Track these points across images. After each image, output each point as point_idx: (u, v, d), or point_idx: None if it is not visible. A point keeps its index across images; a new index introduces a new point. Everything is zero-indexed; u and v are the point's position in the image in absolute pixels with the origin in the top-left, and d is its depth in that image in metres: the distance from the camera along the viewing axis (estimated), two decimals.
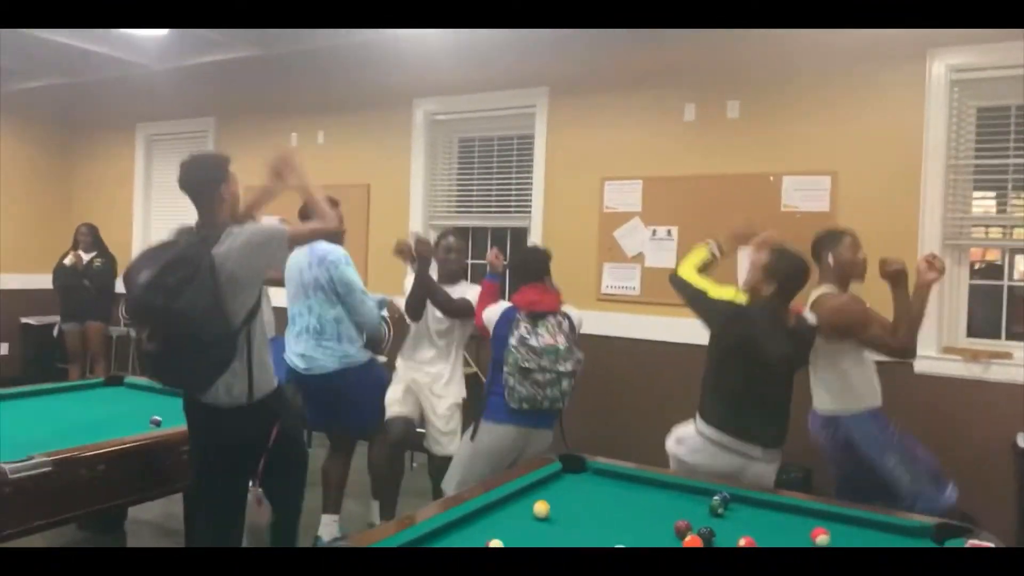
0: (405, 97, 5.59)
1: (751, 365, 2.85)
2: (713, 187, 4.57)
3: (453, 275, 3.93)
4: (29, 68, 6.54)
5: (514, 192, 5.31)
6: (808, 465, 4.11)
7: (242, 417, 2.49)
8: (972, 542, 1.93)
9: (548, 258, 3.54)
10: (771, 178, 4.41)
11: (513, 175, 5.32)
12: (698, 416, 2.99)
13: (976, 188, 4.05)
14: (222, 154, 2.66)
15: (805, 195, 4.31)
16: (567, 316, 3.35)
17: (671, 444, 3.07)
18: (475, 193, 5.48)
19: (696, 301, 3.07)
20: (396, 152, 5.66)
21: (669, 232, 4.74)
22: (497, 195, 5.38)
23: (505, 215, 5.35)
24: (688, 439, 2.99)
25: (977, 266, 4.29)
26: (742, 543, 1.90)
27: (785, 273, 2.93)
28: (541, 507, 2.17)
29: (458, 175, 5.59)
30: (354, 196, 5.81)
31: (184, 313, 2.24)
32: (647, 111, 4.78)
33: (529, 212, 5.19)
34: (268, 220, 2.83)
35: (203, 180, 2.50)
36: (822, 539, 1.98)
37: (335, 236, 3.53)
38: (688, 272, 3.19)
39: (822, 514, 2.20)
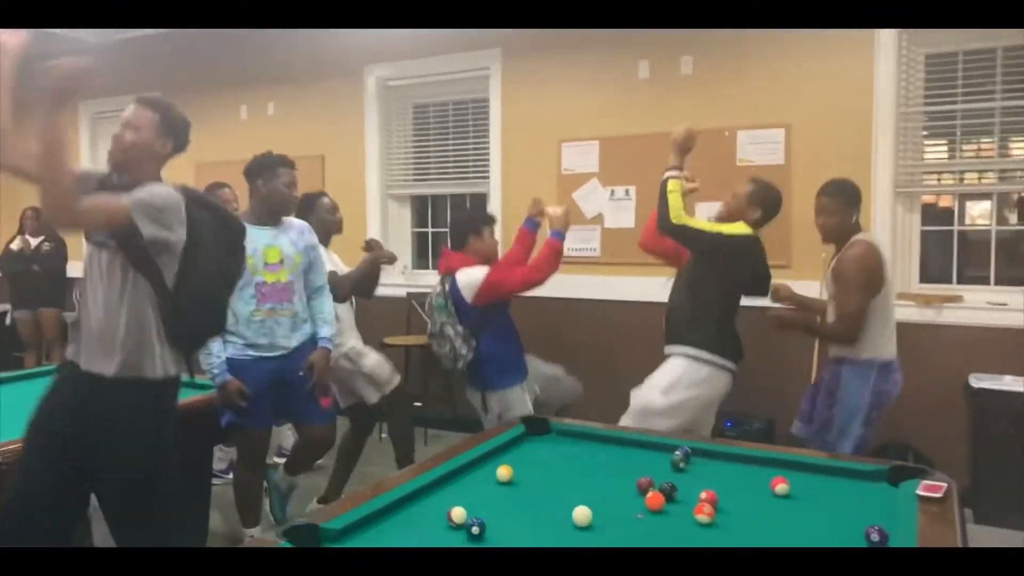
0: (356, 64, 5.47)
1: (743, 290, 3.22)
2: (669, 144, 4.54)
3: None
4: None
5: (471, 157, 5.26)
6: (770, 415, 4.20)
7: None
8: (925, 483, 1.98)
9: (463, 222, 3.60)
10: (726, 133, 4.41)
11: (470, 140, 5.26)
12: (700, 349, 3.18)
13: (927, 136, 4.10)
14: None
15: (760, 149, 4.33)
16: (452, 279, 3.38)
17: (655, 396, 3.13)
18: (432, 160, 5.41)
19: (712, 242, 3.17)
20: (349, 121, 5.55)
21: (627, 192, 4.74)
22: (454, 161, 5.32)
23: (463, 181, 5.30)
24: (684, 378, 3.15)
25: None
26: (703, 496, 1.93)
27: (770, 201, 3.24)
28: (504, 471, 2.17)
29: (414, 142, 5.50)
30: (308, 167, 5.68)
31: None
32: (601, 70, 4.74)
33: (487, 177, 5.14)
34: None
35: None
36: (781, 488, 2.02)
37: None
38: (686, 218, 3.23)
39: (782, 463, 2.23)
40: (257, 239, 2.99)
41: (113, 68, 6.47)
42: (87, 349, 2.22)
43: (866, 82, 4.04)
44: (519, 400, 3.36)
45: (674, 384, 3.17)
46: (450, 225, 3.74)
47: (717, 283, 3.21)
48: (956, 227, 4.17)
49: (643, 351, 4.53)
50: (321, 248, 3.39)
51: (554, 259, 3.31)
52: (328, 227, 3.75)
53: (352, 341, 3.79)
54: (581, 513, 1.84)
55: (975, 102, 3.89)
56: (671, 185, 3.29)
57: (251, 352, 3.07)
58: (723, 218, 3.29)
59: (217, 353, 2.99)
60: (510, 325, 3.44)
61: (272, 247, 3.10)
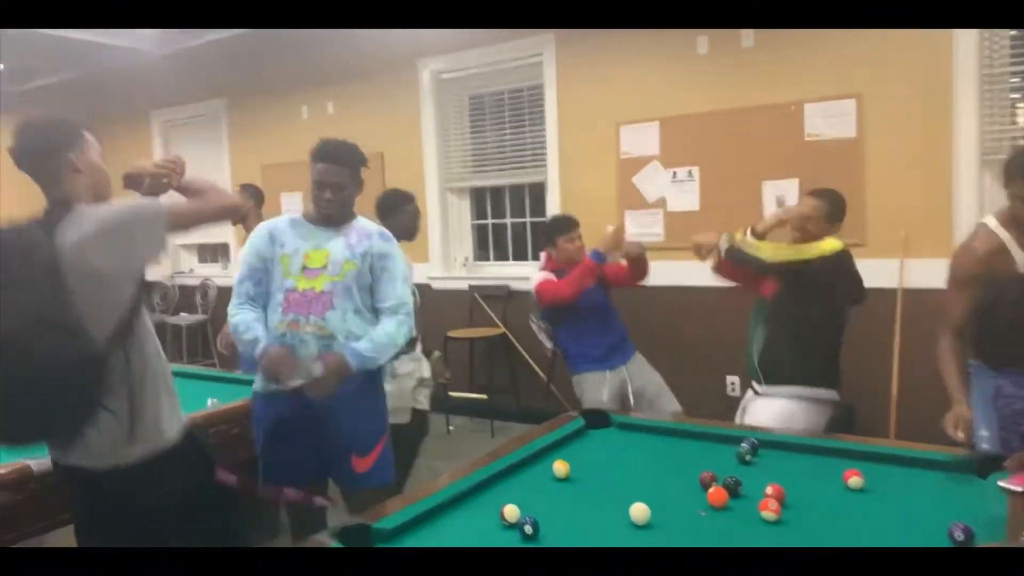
0: (409, 58, 5.46)
1: (849, 305, 2.97)
2: (732, 122, 4.38)
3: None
4: (32, 67, 6.55)
5: (528, 146, 5.18)
6: (849, 402, 3.98)
7: (123, 484, 1.81)
8: (1016, 476, 1.81)
9: (545, 228, 3.93)
10: (792, 107, 4.20)
11: (526, 129, 5.18)
12: (809, 387, 2.85)
13: (1020, 98, 3.79)
14: (67, 118, 1.93)
15: (829, 122, 4.10)
16: None
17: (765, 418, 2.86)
18: (490, 151, 5.36)
19: (820, 267, 2.81)
20: (406, 116, 5.55)
21: (690, 173, 4.58)
22: (512, 151, 5.26)
23: (521, 171, 5.23)
24: (795, 420, 2.79)
25: None
26: (768, 491, 1.81)
27: (842, 209, 2.96)
28: (560, 467, 2.10)
29: (471, 134, 5.46)
30: (369, 165, 5.74)
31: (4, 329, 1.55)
32: (658, 48, 4.58)
33: (545, 166, 5.06)
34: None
35: (41, 149, 1.80)
36: (854, 481, 1.88)
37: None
38: (781, 252, 2.92)
39: (857, 454, 2.09)
40: (306, 239, 2.52)
41: (176, 78, 6.67)
42: None
43: (944, 43, 3.76)
44: (593, 386, 3.54)
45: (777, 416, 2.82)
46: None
47: (825, 309, 2.89)
48: None
49: (711, 335, 4.39)
50: (399, 260, 2.61)
51: (585, 278, 3.48)
52: (407, 234, 3.41)
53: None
54: (639, 511, 1.76)
55: None
56: (737, 236, 3.05)
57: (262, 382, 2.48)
58: (799, 241, 2.94)
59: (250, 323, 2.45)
60: (592, 318, 3.61)
61: (320, 250, 2.48)
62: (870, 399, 3.89)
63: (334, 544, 1.65)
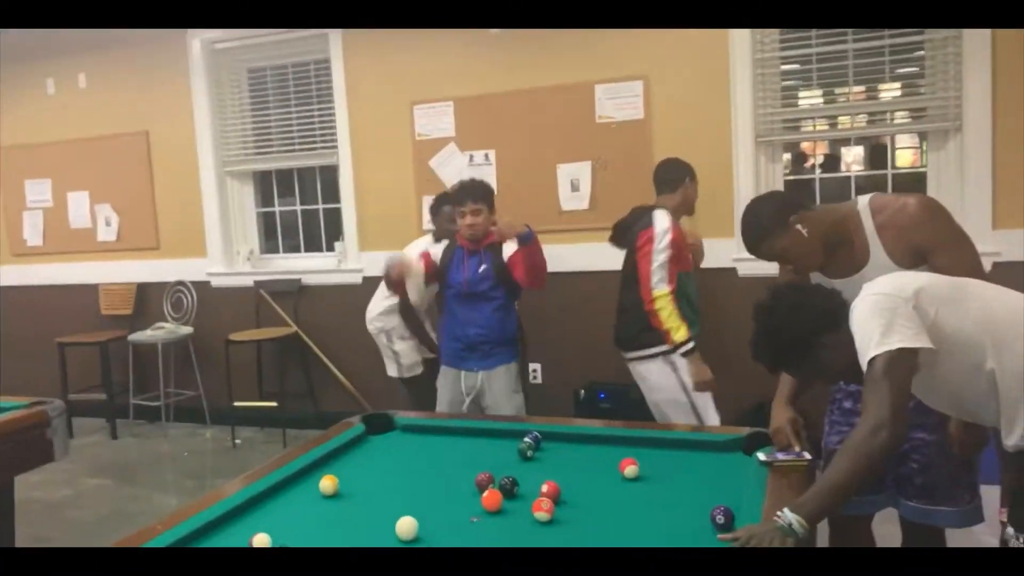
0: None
1: None
2: (527, 102, 4.28)
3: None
4: None
5: (317, 126, 4.79)
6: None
7: None
8: (776, 454, 1.82)
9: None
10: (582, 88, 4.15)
11: (314, 107, 4.79)
12: None
13: (787, 83, 3.97)
14: None
15: (618, 103, 4.10)
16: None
17: None
18: (274, 131, 4.91)
19: None
20: (175, 91, 4.95)
21: (487, 156, 4.42)
22: (299, 131, 4.84)
23: (311, 153, 4.83)
24: None
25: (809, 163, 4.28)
26: (544, 489, 1.68)
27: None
28: (327, 484, 1.87)
29: (251, 111, 4.97)
30: (131, 146, 5.09)
31: None
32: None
33: (336, 147, 4.70)
34: None
35: None
36: (630, 470, 1.81)
37: None
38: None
39: (636, 441, 2.02)
40: None
41: None
42: None
43: (721, 29, 3.86)
44: (441, 385, 3.24)
45: None
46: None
47: None
48: (818, 175, 4.10)
49: (523, 323, 4.27)
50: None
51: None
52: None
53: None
54: (405, 526, 1.60)
55: (829, 45, 3.79)
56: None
57: None
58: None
59: None
60: (459, 306, 3.17)
61: None
62: None
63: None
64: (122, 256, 5.21)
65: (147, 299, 5.19)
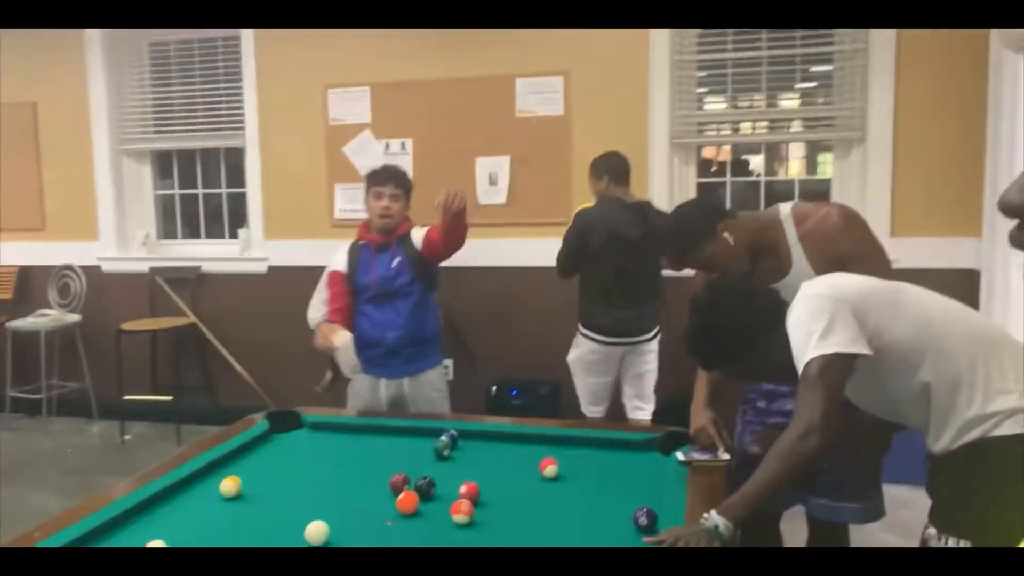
0: None
1: None
2: (446, 93, 4.18)
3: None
4: None
5: (224, 106, 4.55)
6: (555, 379, 4.01)
7: None
8: (693, 454, 1.82)
9: None
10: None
11: (221, 85, 4.54)
12: None
13: (703, 87, 4.04)
14: None
15: (539, 98, 4.07)
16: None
17: None
18: (176, 109, 4.62)
19: None
20: (67, 62, 4.59)
21: (403, 145, 4.30)
22: (203, 110, 4.58)
23: (216, 134, 4.58)
24: None
25: (714, 167, 4.36)
26: (463, 490, 1.61)
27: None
28: (229, 485, 1.76)
29: (152, 88, 4.67)
30: (15, 118, 4.70)
31: None
32: None
33: (243, 128, 4.47)
34: None
35: None
36: (550, 470, 1.78)
37: None
38: None
39: (556, 439, 1.99)
40: None
41: None
42: None
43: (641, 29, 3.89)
44: (356, 394, 2.84)
45: None
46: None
47: None
48: (729, 179, 4.19)
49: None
50: None
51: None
52: None
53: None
54: (315, 531, 1.51)
55: (744, 51, 3.88)
56: None
57: None
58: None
59: None
60: (374, 307, 2.86)
61: None
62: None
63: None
64: (1, 237, 4.80)
65: (30, 284, 4.80)
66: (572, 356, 3.41)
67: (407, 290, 2.77)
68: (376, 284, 2.76)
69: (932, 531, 1.45)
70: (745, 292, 1.67)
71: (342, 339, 2.58)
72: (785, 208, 1.94)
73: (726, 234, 1.88)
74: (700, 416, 1.91)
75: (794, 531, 2.15)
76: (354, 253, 2.83)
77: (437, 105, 4.21)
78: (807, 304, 1.52)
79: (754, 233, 1.92)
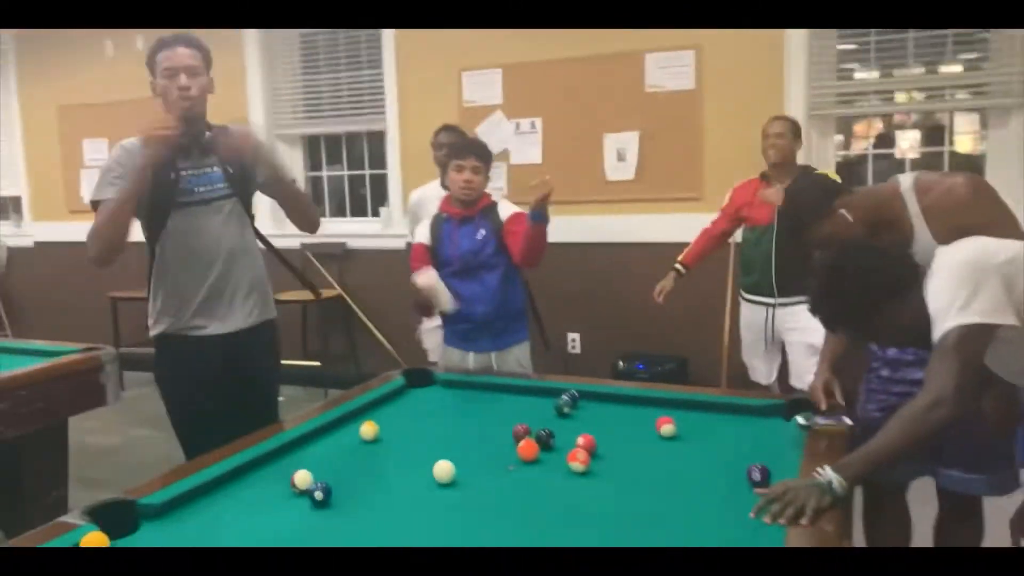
0: None
1: None
2: (575, 71, 4.25)
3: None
4: None
5: (366, 91, 4.83)
6: (683, 355, 4.01)
7: None
8: (816, 419, 1.80)
9: None
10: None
11: (364, 73, 4.83)
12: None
13: (844, 58, 3.87)
14: None
15: (669, 73, 4.05)
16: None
17: None
18: (324, 96, 4.96)
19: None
20: (229, 56, 5.01)
21: (533, 124, 4.41)
22: (348, 97, 4.89)
23: (359, 118, 4.88)
24: None
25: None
26: (580, 442, 1.70)
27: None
28: (368, 429, 1.93)
29: (302, 77, 5.03)
30: None
31: None
32: None
33: (384, 113, 4.74)
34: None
35: None
36: (667, 428, 1.82)
37: None
38: None
39: (675, 403, 2.02)
40: None
41: None
42: None
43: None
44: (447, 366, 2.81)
45: None
46: None
47: None
48: (871, 151, 3.99)
49: (560, 294, 4.28)
50: None
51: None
52: None
53: None
54: (442, 468, 1.64)
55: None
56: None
57: None
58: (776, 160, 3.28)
59: None
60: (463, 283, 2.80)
61: None
62: (702, 352, 3.92)
63: (87, 526, 1.39)
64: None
65: None
66: None
67: (493, 262, 2.69)
68: (460, 258, 2.70)
69: None
70: (875, 256, 1.63)
71: (427, 279, 2.58)
72: (906, 180, 1.87)
73: (843, 211, 1.85)
74: (819, 376, 1.90)
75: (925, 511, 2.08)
76: (436, 226, 2.77)
77: (566, 84, 4.28)
78: (950, 270, 1.47)
79: (872, 209, 1.87)
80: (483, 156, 2.73)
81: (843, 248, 1.68)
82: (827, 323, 1.69)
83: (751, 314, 3.42)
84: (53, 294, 5.64)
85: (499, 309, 2.70)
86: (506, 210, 2.72)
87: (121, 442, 4.10)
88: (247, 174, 2.27)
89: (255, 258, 2.38)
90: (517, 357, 2.77)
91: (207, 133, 2.25)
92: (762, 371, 3.48)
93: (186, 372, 2.25)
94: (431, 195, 3.48)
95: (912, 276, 1.55)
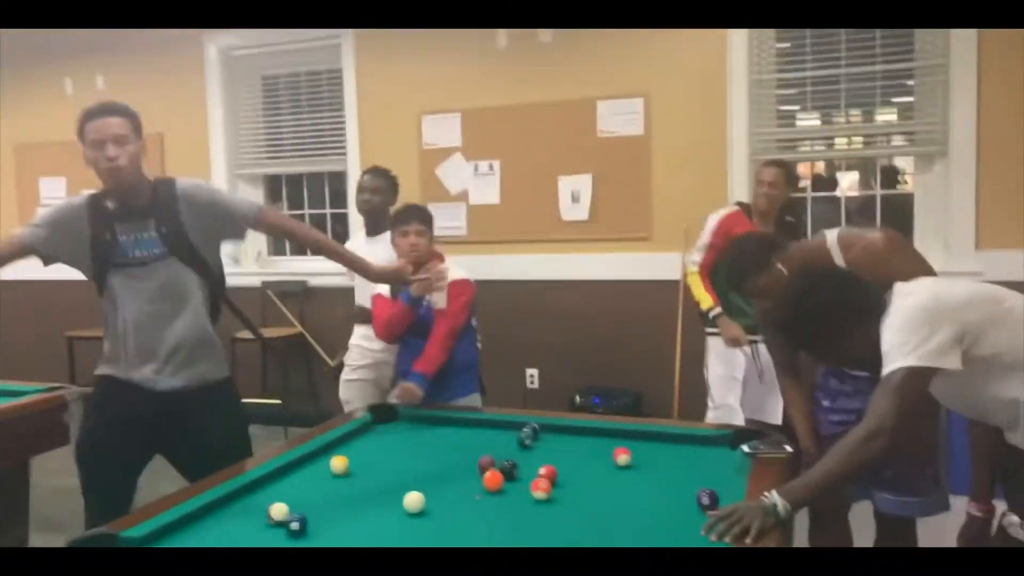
0: (195, 31, 5.01)
1: None
2: (531, 116, 4.43)
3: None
4: None
5: (327, 133, 4.94)
6: (637, 389, 4.16)
7: None
8: (762, 447, 1.94)
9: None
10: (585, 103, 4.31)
11: (325, 114, 4.94)
12: None
13: (781, 104, 4.13)
14: None
15: (620, 119, 4.25)
16: None
17: None
18: (285, 136, 5.05)
19: None
20: (191, 95, 5.10)
21: (491, 166, 4.57)
22: (310, 137, 4.99)
23: (320, 159, 4.98)
24: None
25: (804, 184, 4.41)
26: (542, 472, 1.81)
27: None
28: (338, 463, 2.00)
29: (264, 117, 5.12)
30: (148, 148, 5.20)
31: None
32: (459, 39, 4.52)
33: (345, 154, 4.85)
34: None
35: None
36: (622, 459, 1.94)
37: None
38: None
39: (630, 434, 2.15)
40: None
41: None
42: None
43: (720, 48, 4.02)
44: None
45: None
46: None
47: None
48: (810, 194, 4.25)
49: (511, 329, 4.40)
50: None
51: (394, 320, 2.80)
52: None
53: None
54: (412, 499, 1.73)
55: (823, 69, 3.95)
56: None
57: None
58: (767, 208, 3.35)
59: None
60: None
61: None
62: (655, 384, 4.07)
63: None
64: None
65: None
66: None
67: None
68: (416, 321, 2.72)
69: (1014, 518, 1.53)
70: (845, 286, 1.70)
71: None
72: (831, 236, 2.07)
73: (779, 265, 2.03)
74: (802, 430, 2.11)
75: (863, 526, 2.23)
76: (395, 288, 2.77)
77: (523, 128, 4.46)
78: (908, 313, 1.55)
79: (804, 262, 2.05)
80: (424, 219, 2.79)
81: (814, 275, 1.77)
82: (792, 342, 1.81)
83: (731, 354, 3.30)
84: (9, 333, 5.55)
85: (448, 361, 2.67)
86: (451, 274, 2.69)
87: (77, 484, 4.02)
88: (188, 234, 2.24)
89: (195, 319, 2.29)
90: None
91: (148, 193, 2.24)
92: (738, 411, 3.28)
93: (111, 405, 2.27)
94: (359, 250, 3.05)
95: (876, 309, 1.62)
